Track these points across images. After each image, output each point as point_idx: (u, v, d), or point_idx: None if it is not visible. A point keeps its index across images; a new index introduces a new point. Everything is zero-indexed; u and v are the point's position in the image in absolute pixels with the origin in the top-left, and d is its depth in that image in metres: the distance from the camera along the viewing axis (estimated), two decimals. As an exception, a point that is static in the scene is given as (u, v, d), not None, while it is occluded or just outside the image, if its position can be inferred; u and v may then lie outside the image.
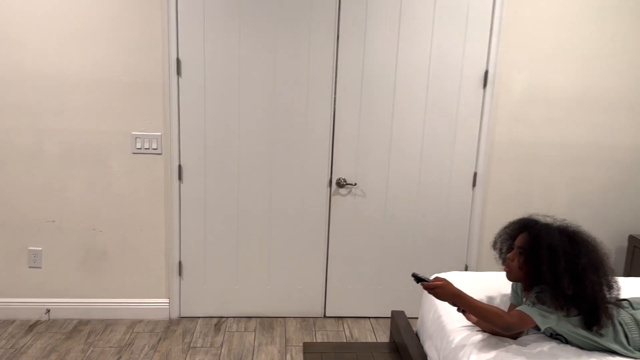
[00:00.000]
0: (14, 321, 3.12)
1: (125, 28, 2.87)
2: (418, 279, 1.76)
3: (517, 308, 1.69)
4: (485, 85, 3.01)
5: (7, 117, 2.92)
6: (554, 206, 3.23)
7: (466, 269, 3.29)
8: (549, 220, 1.80)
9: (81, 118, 2.95)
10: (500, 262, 1.90)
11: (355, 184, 3.14)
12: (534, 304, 1.66)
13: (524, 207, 3.21)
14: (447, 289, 1.71)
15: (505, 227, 1.89)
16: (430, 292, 1.74)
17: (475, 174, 3.14)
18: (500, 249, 1.88)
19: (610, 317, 1.65)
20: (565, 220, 1.80)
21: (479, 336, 1.76)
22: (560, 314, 1.65)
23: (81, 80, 2.91)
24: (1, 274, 3.10)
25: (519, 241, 1.77)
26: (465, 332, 1.81)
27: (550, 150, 3.15)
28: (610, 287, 1.68)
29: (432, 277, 1.86)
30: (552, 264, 1.63)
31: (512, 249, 1.82)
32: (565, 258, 1.63)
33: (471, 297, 1.70)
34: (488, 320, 1.64)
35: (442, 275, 2.29)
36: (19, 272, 3.11)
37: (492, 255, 3.27)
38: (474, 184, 3.15)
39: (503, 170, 3.15)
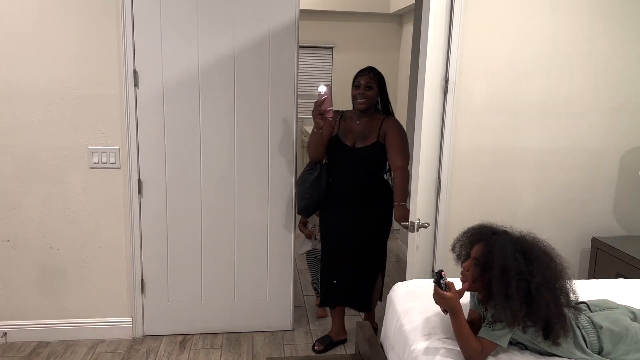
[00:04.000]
0: (-33, 346, 2.99)
1: (80, 40, 2.80)
2: (439, 278, 1.72)
3: (480, 334, 1.68)
4: (445, 92, 3.02)
5: (-43, 134, 2.81)
6: (519, 211, 3.24)
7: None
8: (505, 231, 1.74)
9: (35, 133, 2.86)
10: (459, 265, 1.87)
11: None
12: (491, 324, 1.66)
13: (489, 213, 3.22)
14: (450, 302, 1.70)
15: (465, 233, 1.85)
16: (436, 296, 1.73)
17: (439, 181, 3.14)
18: (459, 255, 1.85)
19: (567, 331, 1.65)
20: (522, 231, 1.75)
21: (439, 344, 1.74)
22: (518, 328, 1.65)
23: (35, 94, 2.82)
24: (-47, 298, 2.97)
25: (475, 251, 1.74)
26: (427, 341, 1.78)
27: (513, 156, 3.17)
28: (567, 298, 1.67)
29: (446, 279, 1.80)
30: (503, 285, 1.60)
31: (469, 257, 1.78)
32: (518, 278, 1.60)
33: (464, 320, 1.69)
34: (462, 348, 1.68)
35: (404, 283, 2.26)
36: (-28, 295, 2.98)
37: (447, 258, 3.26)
38: (438, 191, 3.15)
39: (465, 177, 3.16)
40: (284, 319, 3.26)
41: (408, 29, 7.17)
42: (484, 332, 1.68)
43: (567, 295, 1.67)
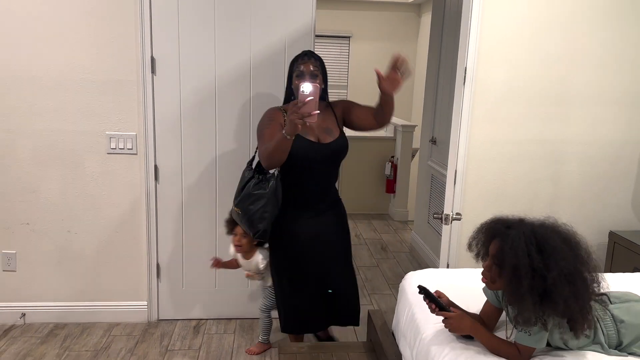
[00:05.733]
0: (-13, 326, 3.06)
1: (99, 27, 2.83)
2: (426, 294, 1.68)
3: (517, 340, 1.62)
4: (463, 82, 2.99)
5: (-22, 118, 2.87)
6: (535, 204, 3.21)
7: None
8: (520, 221, 1.64)
9: (55, 118, 2.90)
10: (479, 262, 1.79)
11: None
12: (527, 329, 1.59)
13: (505, 205, 3.19)
14: (463, 322, 1.66)
15: (479, 229, 1.75)
16: (444, 322, 1.68)
17: (455, 172, 3.11)
18: (477, 254, 1.75)
19: (590, 326, 1.57)
20: (540, 218, 1.65)
21: (451, 334, 1.74)
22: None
23: (54, 80, 2.86)
24: (-26, 278, 3.04)
25: (492, 249, 1.64)
26: (438, 330, 1.78)
27: (530, 148, 3.13)
28: (592, 289, 1.57)
29: (433, 291, 1.77)
30: (516, 284, 1.53)
31: (488, 254, 1.68)
32: (532, 275, 1.51)
33: (486, 332, 1.65)
34: (502, 356, 1.62)
35: (416, 272, 2.26)
36: (-7, 276, 3.05)
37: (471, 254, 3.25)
38: (453, 183, 3.13)
39: (482, 168, 3.13)
40: (297, 306, 3.28)
41: (426, 19, 7.10)
42: (520, 338, 1.60)
43: (591, 286, 1.57)
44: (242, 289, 3.21)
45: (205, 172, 3.03)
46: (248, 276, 2.85)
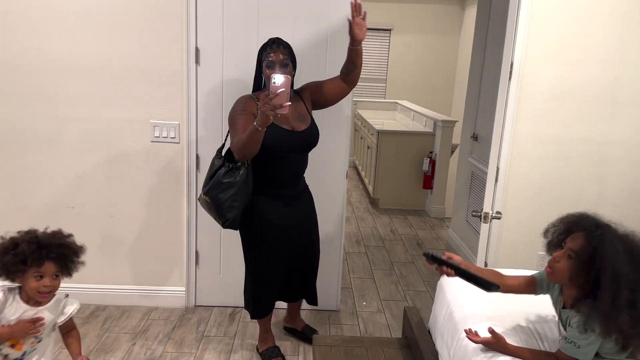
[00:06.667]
0: (33, 304, 3.17)
1: (146, 17, 2.88)
2: (435, 259, 1.64)
3: (563, 350, 1.56)
4: (509, 77, 2.91)
5: (29, 104, 2.96)
6: (580, 205, 3.11)
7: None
8: (609, 225, 1.57)
9: (100, 105, 2.97)
10: (549, 251, 1.71)
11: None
12: (574, 341, 1.52)
13: (547, 205, 3.11)
14: (505, 347, 1.63)
15: (562, 219, 1.67)
16: (492, 345, 1.66)
17: (497, 170, 3.05)
18: (551, 242, 1.68)
19: None
20: (624, 228, 1.57)
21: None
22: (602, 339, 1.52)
23: (101, 68, 2.93)
24: (22, 258, 3.15)
25: (572, 243, 1.56)
26: (477, 330, 1.75)
27: (576, 146, 3.04)
28: None
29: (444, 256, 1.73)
30: (613, 293, 1.44)
31: (561, 246, 1.61)
32: (630, 288, 1.44)
33: (523, 350, 1.61)
34: None
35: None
36: (39, 257, 3.15)
37: (511, 254, 3.19)
38: (495, 180, 3.06)
39: (525, 166, 3.06)
40: (331, 299, 3.29)
41: (470, 12, 6.96)
42: (567, 349, 1.55)
43: None
44: (277, 279, 3.24)
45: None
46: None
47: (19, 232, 1.80)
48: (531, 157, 3.06)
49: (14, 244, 1.76)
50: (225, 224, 2.41)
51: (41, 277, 1.76)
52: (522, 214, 3.15)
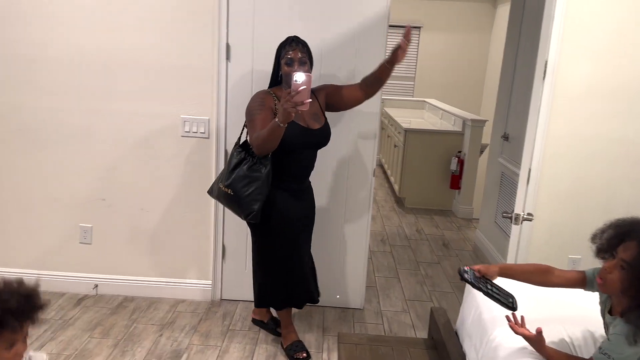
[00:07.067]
0: (64, 294, 3.25)
1: (179, 14, 2.91)
2: (467, 281, 1.65)
3: (595, 359, 1.52)
4: (544, 76, 2.85)
5: (61, 97, 3.02)
6: (614, 208, 3.03)
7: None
8: None
9: (131, 100, 3.02)
10: (598, 257, 1.64)
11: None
12: (609, 356, 1.48)
13: (580, 207, 3.04)
14: (538, 345, 1.60)
15: (613, 225, 1.59)
16: (534, 343, 1.63)
17: (529, 169, 2.99)
18: (600, 249, 1.60)
19: None
20: None
21: (520, 338, 1.67)
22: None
23: (132, 63, 2.97)
24: (54, 249, 3.23)
25: (625, 253, 1.49)
26: (506, 333, 1.72)
27: (611, 147, 2.96)
28: None
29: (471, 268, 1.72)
30: None
31: (612, 253, 1.55)
32: None
33: (564, 355, 1.58)
34: None
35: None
36: (71, 248, 3.23)
37: (541, 257, 3.13)
38: (527, 181, 3.00)
39: (558, 167, 2.99)
40: (356, 297, 3.28)
41: (502, 10, 6.85)
42: None
43: None
44: (302, 275, 3.24)
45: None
46: None
47: None
48: (564, 158, 3.00)
49: None
50: (249, 216, 2.44)
51: (12, 345, 1.36)
52: (554, 215, 3.08)
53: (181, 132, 3.05)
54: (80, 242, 3.22)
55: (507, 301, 1.64)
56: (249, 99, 2.96)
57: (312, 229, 2.80)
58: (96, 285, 3.28)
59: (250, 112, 2.43)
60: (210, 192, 2.69)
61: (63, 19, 2.92)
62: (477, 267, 1.68)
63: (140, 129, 3.06)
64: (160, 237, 3.21)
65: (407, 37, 2.35)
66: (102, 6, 2.90)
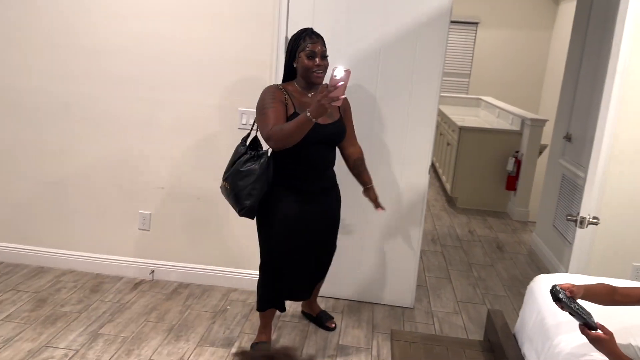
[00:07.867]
0: (122, 278, 3.36)
1: (239, 8, 2.94)
2: (559, 300, 1.54)
3: None
4: (615, 74, 2.72)
5: (126, 88, 3.12)
6: (685, 215, 2.87)
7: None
8: None
9: (191, 91, 3.08)
10: None
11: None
12: None
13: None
14: (610, 347, 1.51)
15: None
16: (589, 339, 1.54)
17: (597, 171, 2.87)
18: None
19: None
20: None
21: (585, 342, 1.60)
22: None
23: (196, 56, 3.03)
24: (114, 234, 3.35)
25: None
26: (570, 338, 1.65)
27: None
28: None
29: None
30: None
31: None
32: None
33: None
34: None
35: (548, 276, 2.12)
36: (130, 233, 3.33)
37: (603, 263, 2.99)
38: (593, 183, 2.88)
39: (624, 169, 2.85)
40: (405, 295, 3.24)
41: (565, 7, 6.60)
42: None
43: None
44: (352, 271, 3.23)
45: (327, 152, 3.06)
46: None
47: None
48: (631, 160, 2.85)
49: None
50: (242, 211, 2.42)
51: None
52: (619, 220, 2.95)
53: (238, 124, 3.09)
54: (139, 228, 3.32)
55: (591, 320, 1.54)
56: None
57: (322, 235, 2.61)
58: (152, 271, 3.37)
59: (261, 107, 2.36)
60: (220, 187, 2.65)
61: (137, 12, 3.01)
62: (566, 286, 1.59)
63: (198, 119, 3.12)
64: (215, 226, 3.27)
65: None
66: (166, 1, 2.98)
